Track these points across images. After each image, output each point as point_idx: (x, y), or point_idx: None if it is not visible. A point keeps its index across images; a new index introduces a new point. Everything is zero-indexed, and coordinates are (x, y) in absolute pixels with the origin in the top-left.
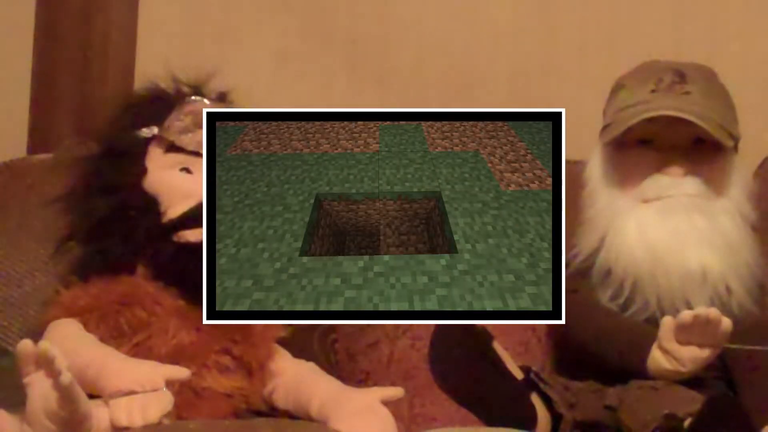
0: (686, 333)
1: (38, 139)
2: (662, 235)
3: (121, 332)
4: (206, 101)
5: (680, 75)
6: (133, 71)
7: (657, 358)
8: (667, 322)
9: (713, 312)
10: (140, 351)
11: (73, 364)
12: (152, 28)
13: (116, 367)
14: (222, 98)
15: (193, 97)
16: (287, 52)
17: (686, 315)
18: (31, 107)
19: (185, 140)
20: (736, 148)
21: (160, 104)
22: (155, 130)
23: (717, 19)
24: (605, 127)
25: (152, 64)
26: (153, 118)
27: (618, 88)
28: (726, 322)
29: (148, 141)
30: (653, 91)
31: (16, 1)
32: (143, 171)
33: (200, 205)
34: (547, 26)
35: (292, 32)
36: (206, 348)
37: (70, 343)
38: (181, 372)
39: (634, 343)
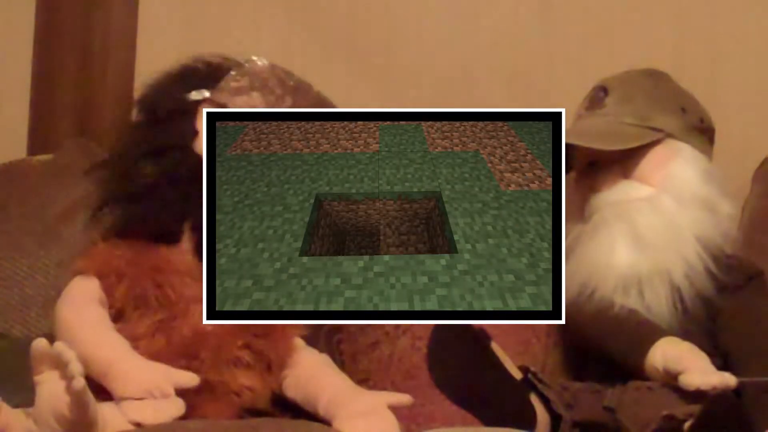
0: None
1: (38, 140)
2: (595, 255)
3: (147, 304)
4: (265, 61)
5: (603, 90)
6: (133, 71)
7: (655, 362)
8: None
9: (725, 382)
10: (162, 328)
11: (78, 354)
12: (152, 28)
13: (125, 370)
14: None
15: (253, 57)
16: (287, 52)
17: (697, 383)
18: (31, 108)
19: (239, 102)
20: (707, 134)
21: (209, 71)
22: (206, 93)
23: (717, 20)
24: None
25: (152, 64)
26: (201, 83)
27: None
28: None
29: (197, 104)
30: (579, 116)
31: (16, 1)
32: (194, 133)
33: None
34: (547, 26)
35: (292, 32)
36: (229, 342)
37: (78, 327)
38: (190, 379)
39: (635, 340)
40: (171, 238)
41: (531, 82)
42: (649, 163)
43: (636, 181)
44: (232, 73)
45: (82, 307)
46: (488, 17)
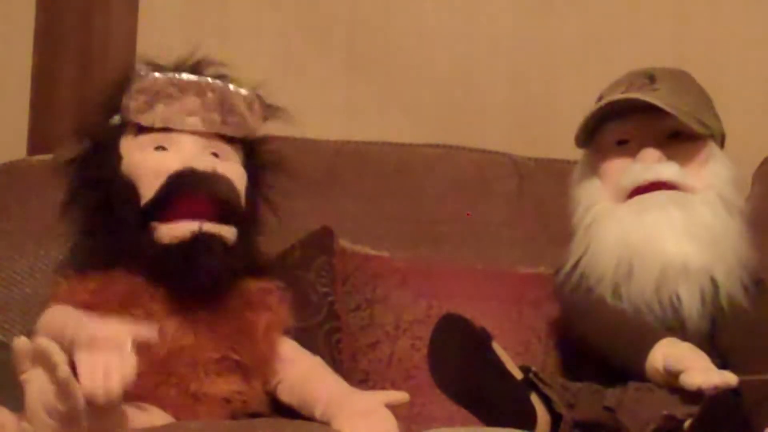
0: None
1: (38, 140)
2: (640, 232)
3: None
4: (156, 74)
5: (650, 77)
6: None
7: (656, 363)
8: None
9: (726, 381)
10: (139, 352)
11: (51, 330)
12: (152, 28)
13: (88, 323)
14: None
15: (141, 73)
16: (287, 52)
17: (698, 382)
18: (31, 108)
19: (148, 119)
20: (722, 144)
21: (118, 92)
22: (116, 118)
23: (717, 20)
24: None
25: None
26: (117, 107)
27: (597, 100)
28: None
29: (120, 129)
30: (623, 92)
31: (16, 1)
32: (119, 159)
33: (172, 177)
34: (547, 27)
35: (292, 32)
36: (205, 355)
37: (54, 317)
38: (149, 331)
39: (635, 343)
40: (122, 264)
41: (531, 82)
42: (689, 157)
43: (680, 168)
44: (127, 93)
45: (60, 308)
46: (488, 17)
